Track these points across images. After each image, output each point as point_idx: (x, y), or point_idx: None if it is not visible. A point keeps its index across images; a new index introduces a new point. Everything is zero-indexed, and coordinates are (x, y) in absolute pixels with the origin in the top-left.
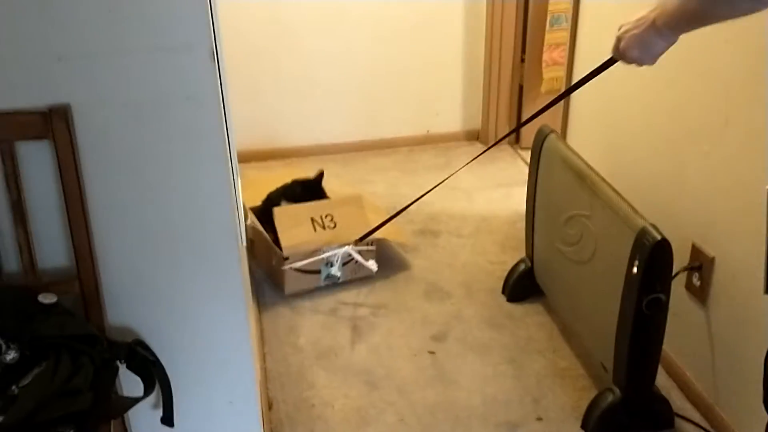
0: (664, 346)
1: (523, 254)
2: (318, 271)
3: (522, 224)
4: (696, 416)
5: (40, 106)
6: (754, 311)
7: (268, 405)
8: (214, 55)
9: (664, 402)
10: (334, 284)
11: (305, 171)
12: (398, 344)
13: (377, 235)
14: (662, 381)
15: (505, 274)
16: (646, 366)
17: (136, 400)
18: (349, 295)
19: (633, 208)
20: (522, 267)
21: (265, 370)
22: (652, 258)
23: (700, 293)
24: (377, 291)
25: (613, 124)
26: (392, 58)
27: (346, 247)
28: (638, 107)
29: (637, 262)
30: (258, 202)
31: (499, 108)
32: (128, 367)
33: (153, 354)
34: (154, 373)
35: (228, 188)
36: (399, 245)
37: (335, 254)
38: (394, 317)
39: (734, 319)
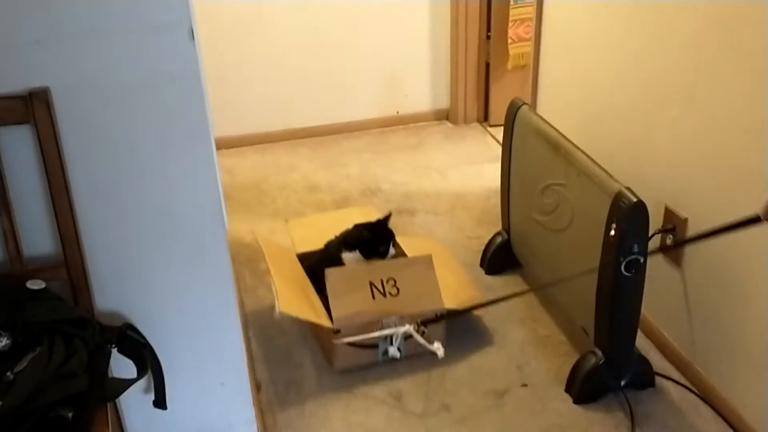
0: (642, 309)
1: (499, 228)
2: (374, 345)
3: (496, 199)
4: (675, 374)
5: (19, 90)
6: (727, 269)
7: (257, 387)
8: (194, 34)
9: (645, 362)
10: (393, 360)
11: (277, 156)
12: None
13: (449, 305)
14: (641, 342)
15: (483, 248)
16: (626, 327)
17: (130, 382)
18: None
19: (608, 174)
20: (499, 240)
21: (251, 353)
22: (630, 220)
23: (675, 255)
24: None
25: (584, 94)
26: (359, 41)
27: (407, 326)
28: (608, 76)
29: (614, 225)
30: (308, 245)
31: (467, 86)
32: (119, 351)
33: (143, 337)
34: (145, 356)
35: (213, 169)
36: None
37: (395, 333)
38: None
39: (708, 277)
